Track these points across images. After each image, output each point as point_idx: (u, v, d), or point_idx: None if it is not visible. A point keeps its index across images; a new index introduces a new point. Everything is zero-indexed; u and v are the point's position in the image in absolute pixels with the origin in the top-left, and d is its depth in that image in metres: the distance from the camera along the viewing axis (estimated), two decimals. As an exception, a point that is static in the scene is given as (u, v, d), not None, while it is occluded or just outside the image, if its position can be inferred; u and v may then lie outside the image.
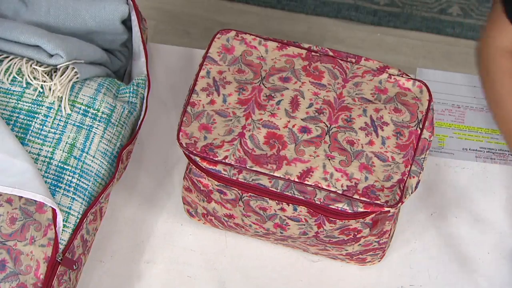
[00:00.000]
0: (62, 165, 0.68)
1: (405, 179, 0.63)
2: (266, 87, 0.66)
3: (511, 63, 0.70)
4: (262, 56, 0.68)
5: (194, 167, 0.65)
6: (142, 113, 0.74)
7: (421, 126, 0.65)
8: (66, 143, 0.69)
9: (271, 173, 0.62)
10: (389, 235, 0.69)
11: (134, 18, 0.75)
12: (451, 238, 0.74)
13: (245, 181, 0.63)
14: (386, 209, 0.62)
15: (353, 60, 0.68)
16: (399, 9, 1.44)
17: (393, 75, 0.67)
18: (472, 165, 0.78)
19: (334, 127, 0.64)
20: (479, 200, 0.76)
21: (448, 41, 1.40)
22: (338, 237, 0.66)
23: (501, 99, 0.70)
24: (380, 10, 1.46)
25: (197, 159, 0.64)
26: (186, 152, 0.64)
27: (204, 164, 0.63)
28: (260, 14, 1.46)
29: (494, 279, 0.72)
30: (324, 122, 0.65)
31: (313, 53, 0.68)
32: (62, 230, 0.65)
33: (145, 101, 0.74)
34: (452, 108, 0.82)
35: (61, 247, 0.64)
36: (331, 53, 0.68)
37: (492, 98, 0.71)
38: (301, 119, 0.65)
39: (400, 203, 0.62)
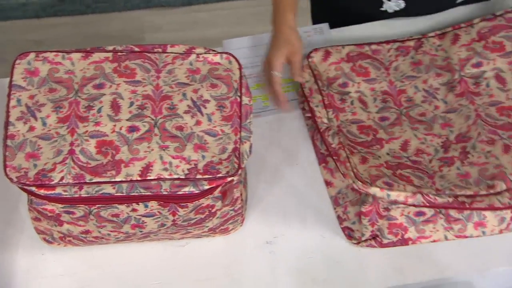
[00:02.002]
0: None
1: (238, 146, 0.66)
2: (82, 99, 0.66)
3: None
4: (70, 70, 0.67)
5: (34, 197, 0.64)
6: (-35, 159, 0.70)
7: (239, 94, 0.69)
8: None
9: (112, 180, 0.63)
10: (242, 200, 0.73)
11: None
12: (298, 184, 0.80)
13: (89, 195, 0.63)
14: (229, 179, 0.65)
15: (160, 50, 0.70)
16: (204, -16, 1.48)
17: (201, 54, 0.70)
18: (299, 112, 0.84)
19: (160, 118, 0.66)
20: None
21: (255, 3, 1.46)
22: (195, 218, 0.69)
23: None
24: (188, -11, 1.48)
25: (33, 188, 0.63)
26: (19, 186, 0.63)
27: (42, 192, 0.63)
28: (71, 23, 1.42)
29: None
30: (149, 116, 0.66)
31: (119, 54, 0.69)
32: None
33: (-36, 146, 0.71)
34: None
35: None
36: (137, 49, 0.70)
37: None
38: (126, 120, 0.65)
39: (240, 170, 0.65)
